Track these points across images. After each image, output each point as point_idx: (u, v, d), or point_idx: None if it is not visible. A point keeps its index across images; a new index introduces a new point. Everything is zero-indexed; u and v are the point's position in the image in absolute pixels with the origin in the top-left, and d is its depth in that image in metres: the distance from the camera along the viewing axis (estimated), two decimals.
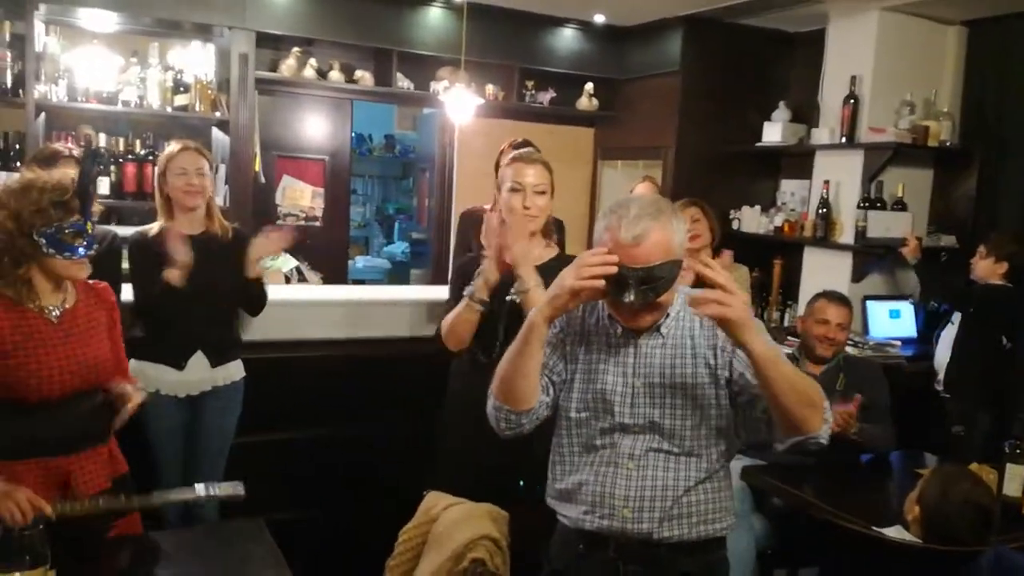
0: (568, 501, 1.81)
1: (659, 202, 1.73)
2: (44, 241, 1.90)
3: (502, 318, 2.33)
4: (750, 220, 5.05)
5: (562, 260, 2.38)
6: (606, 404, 1.78)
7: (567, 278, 1.63)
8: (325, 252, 5.31)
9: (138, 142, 4.46)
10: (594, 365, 1.79)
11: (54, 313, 2.00)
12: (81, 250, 1.95)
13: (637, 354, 1.77)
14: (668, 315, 1.78)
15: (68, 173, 2.14)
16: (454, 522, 1.82)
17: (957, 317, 3.96)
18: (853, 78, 4.49)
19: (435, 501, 1.94)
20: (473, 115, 4.54)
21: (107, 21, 4.44)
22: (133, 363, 2.89)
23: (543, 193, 2.41)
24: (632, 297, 1.64)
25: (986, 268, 3.81)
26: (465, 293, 2.37)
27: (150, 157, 4.43)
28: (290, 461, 3.21)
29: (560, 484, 1.83)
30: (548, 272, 2.27)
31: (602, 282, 1.62)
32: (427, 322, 3.50)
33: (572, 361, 1.81)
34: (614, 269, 1.61)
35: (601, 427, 1.78)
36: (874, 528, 2.13)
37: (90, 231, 1.99)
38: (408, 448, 3.46)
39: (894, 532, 2.09)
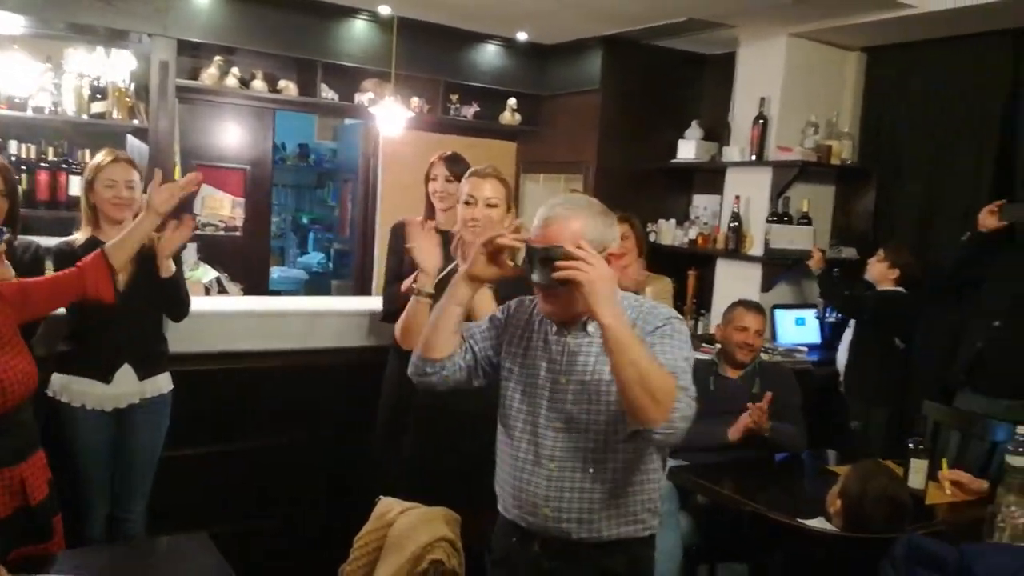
0: (503, 493, 1.90)
1: (590, 201, 1.84)
2: None
3: None
4: (666, 233, 5.26)
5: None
6: (534, 400, 1.83)
7: (481, 238, 1.83)
8: (245, 263, 5.24)
9: (51, 149, 4.31)
10: (529, 360, 1.86)
11: None
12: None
13: (565, 351, 1.82)
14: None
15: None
16: (411, 526, 1.87)
17: (854, 323, 4.24)
18: (762, 99, 4.75)
19: (389, 506, 1.98)
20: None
21: (17, 24, 4.27)
22: (58, 377, 2.82)
23: (495, 206, 2.51)
24: (536, 276, 1.73)
25: (880, 271, 4.08)
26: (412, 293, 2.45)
27: (63, 165, 4.29)
28: (223, 474, 3.18)
29: (498, 476, 1.92)
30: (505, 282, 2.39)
31: (507, 243, 1.78)
32: (357, 332, 3.52)
33: (509, 353, 1.89)
34: (521, 244, 1.77)
35: (530, 422, 1.83)
36: (799, 520, 2.28)
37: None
38: (344, 456, 3.49)
39: (817, 524, 2.25)
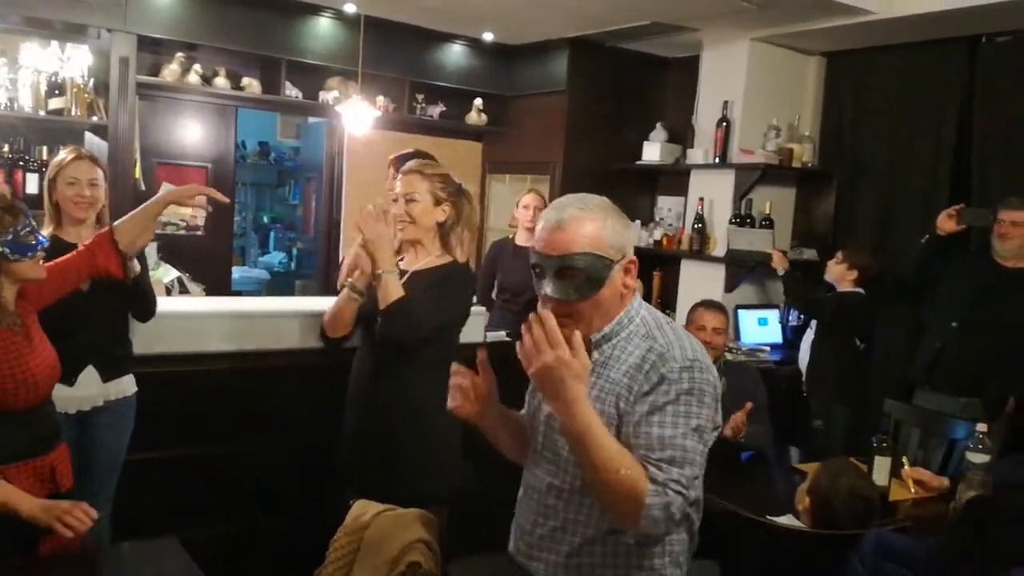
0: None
1: (604, 200, 1.61)
2: (7, 249, 1.98)
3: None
4: None
5: (455, 268, 2.53)
6: (533, 425, 1.70)
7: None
8: (207, 263, 5.15)
9: (7, 146, 4.20)
10: None
11: (17, 324, 2.07)
12: (37, 248, 2.04)
13: None
14: (607, 335, 1.60)
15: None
16: (387, 528, 1.86)
17: (815, 323, 4.32)
18: (725, 103, 4.82)
19: (363, 509, 1.97)
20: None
21: None
22: None
23: (414, 201, 2.50)
24: (549, 289, 1.53)
25: (839, 272, 4.15)
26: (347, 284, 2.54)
27: (20, 162, 4.19)
28: (191, 478, 3.12)
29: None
30: (433, 276, 2.46)
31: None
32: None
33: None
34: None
35: (532, 448, 1.70)
36: (768, 517, 2.32)
37: (37, 227, 2.06)
38: (315, 458, 3.45)
39: (786, 520, 2.29)
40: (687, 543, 1.65)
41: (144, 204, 2.42)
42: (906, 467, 2.77)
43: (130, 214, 2.37)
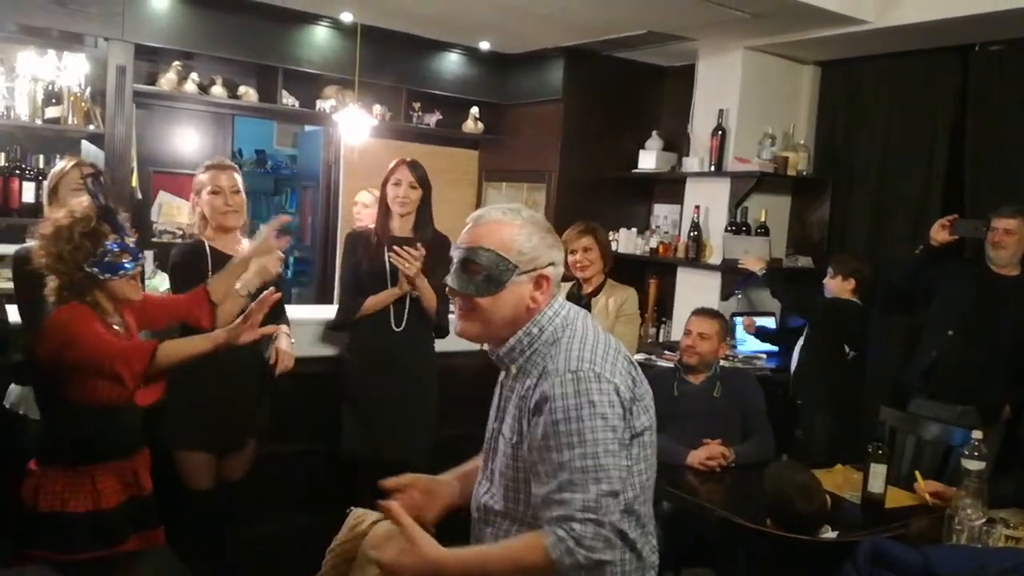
0: None
1: (535, 215, 1.63)
2: (96, 270, 2.08)
3: None
4: (627, 242, 5.31)
5: None
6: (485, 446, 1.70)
7: None
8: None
9: (3, 155, 4.20)
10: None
11: (119, 323, 2.21)
12: (129, 265, 2.13)
13: (501, 390, 1.68)
14: (512, 347, 1.58)
15: (83, 201, 2.18)
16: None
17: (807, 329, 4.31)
18: (720, 111, 4.84)
19: (361, 517, 1.97)
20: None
21: None
22: (17, 388, 2.75)
23: (237, 192, 2.88)
24: (450, 279, 1.59)
25: (837, 286, 4.11)
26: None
27: (16, 171, 4.18)
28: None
29: None
30: None
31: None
32: (320, 342, 3.51)
33: None
34: None
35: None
36: (766, 526, 2.32)
37: (130, 243, 2.15)
38: (313, 466, 3.46)
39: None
40: (635, 562, 1.55)
41: (230, 262, 2.64)
42: (919, 481, 2.76)
43: (220, 273, 2.61)
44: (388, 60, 5.05)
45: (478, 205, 5.86)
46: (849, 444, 3.57)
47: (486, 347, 1.68)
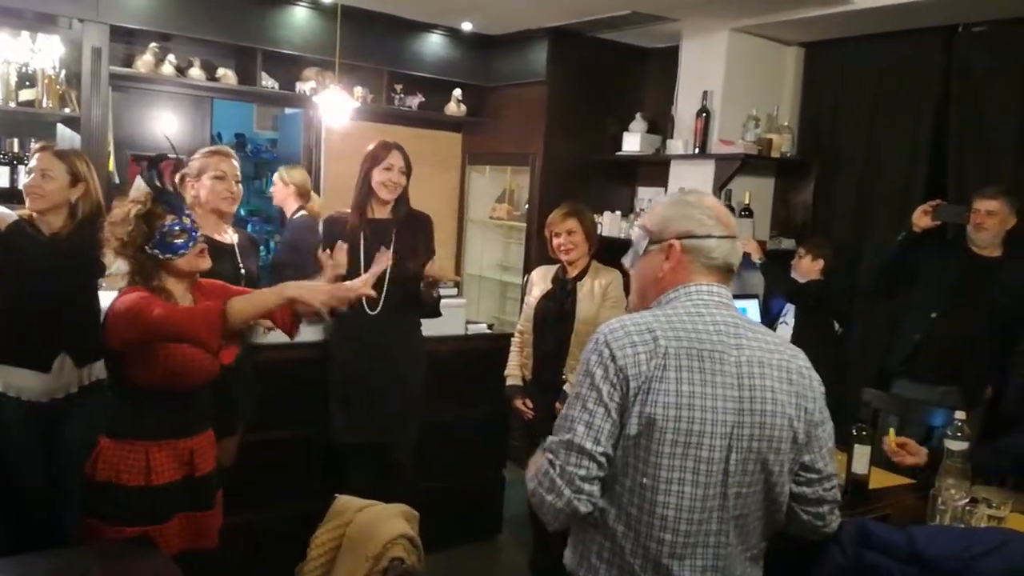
0: None
1: None
2: (157, 251, 2.15)
3: None
4: (611, 225, 5.29)
5: None
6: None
7: None
8: None
9: None
10: None
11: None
12: (188, 243, 2.18)
13: None
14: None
15: (140, 187, 2.26)
16: (369, 523, 1.85)
17: (790, 316, 4.34)
18: (705, 93, 4.81)
19: (346, 504, 1.96)
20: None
21: None
22: None
23: (239, 181, 2.92)
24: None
25: (807, 266, 4.26)
26: None
27: None
28: None
29: None
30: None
31: None
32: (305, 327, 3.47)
33: None
34: None
35: None
36: None
37: (189, 223, 2.20)
38: (297, 453, 3.43)
39: None
40: (602, 541, 1.62)
41: (263, 291, 2.26)
42: (891, 436, 2.78)
43: (247, 298, 2.19)
44: (369, 41, 4.99)
45: (462, 188, 5.83)
46: (842, 425, 3.60)
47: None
